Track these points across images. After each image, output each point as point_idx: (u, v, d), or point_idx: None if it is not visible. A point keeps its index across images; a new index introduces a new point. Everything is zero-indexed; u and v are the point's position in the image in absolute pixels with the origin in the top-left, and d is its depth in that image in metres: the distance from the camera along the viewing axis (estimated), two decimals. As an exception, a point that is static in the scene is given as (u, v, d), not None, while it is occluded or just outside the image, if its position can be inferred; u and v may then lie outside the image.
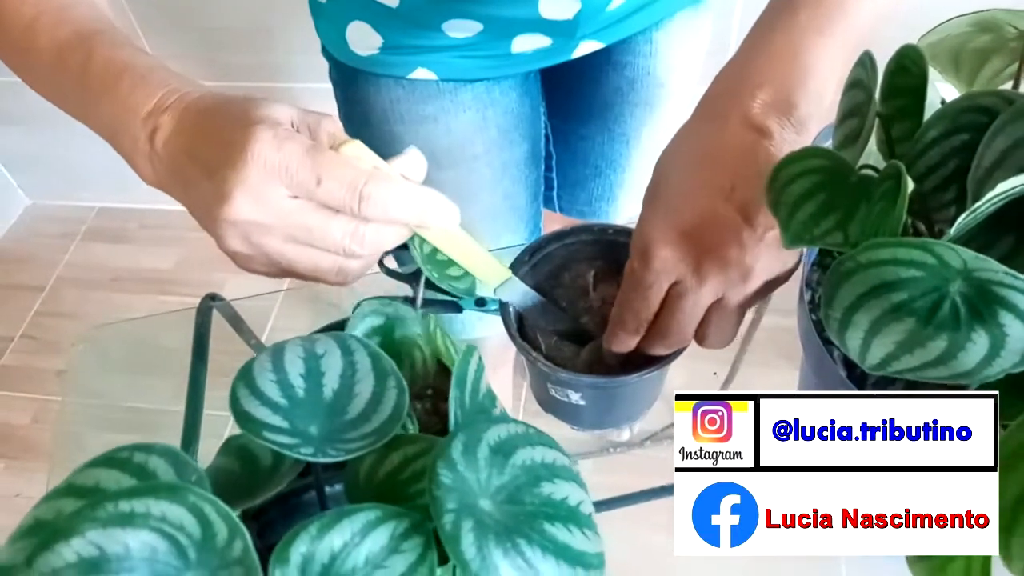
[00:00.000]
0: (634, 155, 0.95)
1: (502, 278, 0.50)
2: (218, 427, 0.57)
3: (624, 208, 1.02)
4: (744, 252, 0.43)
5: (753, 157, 0.43)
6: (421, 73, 0.76)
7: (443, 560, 0.28)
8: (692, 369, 0.60)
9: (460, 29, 0.73)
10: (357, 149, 0.41)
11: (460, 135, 0.80)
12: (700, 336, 0.48)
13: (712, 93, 0.48)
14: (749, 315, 0.58)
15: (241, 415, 0.31)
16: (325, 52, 0.83)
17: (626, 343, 0.49)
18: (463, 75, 0.77)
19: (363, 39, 0.75)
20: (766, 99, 0.44)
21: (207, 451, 0.59)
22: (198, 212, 0.42)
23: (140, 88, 0.43)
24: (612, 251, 0.56)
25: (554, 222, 1.05)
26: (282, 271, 0.43)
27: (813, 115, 0.44)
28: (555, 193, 1.04)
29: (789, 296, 0.50)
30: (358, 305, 0.45)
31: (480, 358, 0.38)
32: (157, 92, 0.43)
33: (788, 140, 0.44)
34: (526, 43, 0.75)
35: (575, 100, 0.91)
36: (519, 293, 0.52)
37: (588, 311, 0.55)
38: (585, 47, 0.78)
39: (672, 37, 0.83)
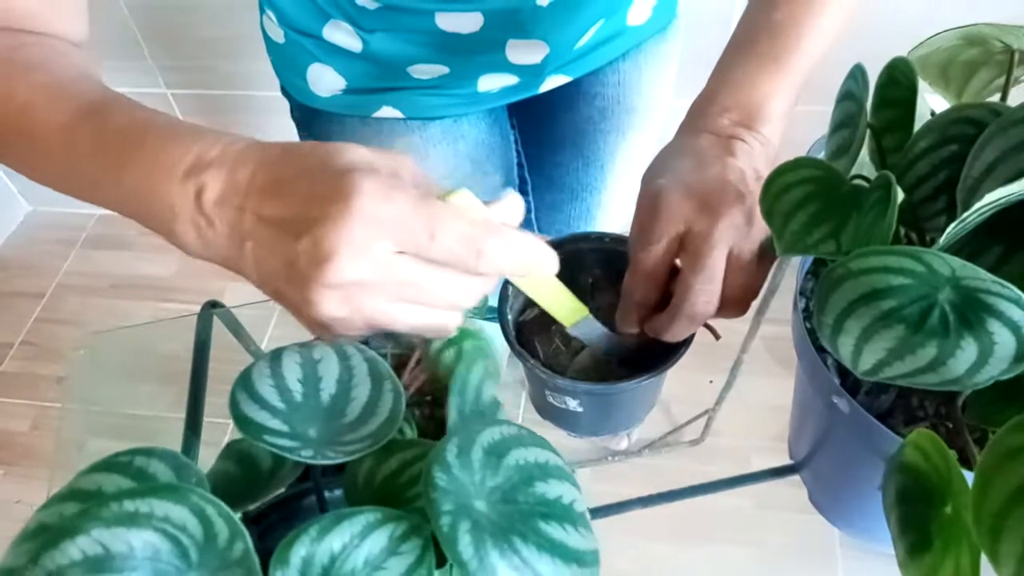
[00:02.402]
0: (609, 178, 0.95)
1: (580, 317, 0.49)
2: (218, 434, 0.58)
3: (602, 227, 1.03)
4: (744, 197, 0.45)
5: (732, 151, 0.48)
6: (387, 111, 0.76)
7: (441, 561, 0.28)
8: (689, 378, 0.60)
9: (425, 72, 0.73)
10: (466, 199, 0.37)
11: (432, 170, 0.80)
12: (720, 301, 0.47)
13: (684, 122, 0.52)
14: (748, 321, 0.58)
15: (241, 419, 0.31)
16: (284, 92, 0.82)
17: (638, 318, 0.49)
18: (429, 113, 0.77)
19: (324, 81, 0.75)
20: (733, 119, 0.49)
21: (207, 458, 0.60)
22: (279, 280, 0.36)
23: (171, 145, 0.37)
24: (610, 259, 0.56)
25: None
26: (376, 331, 0.38)
27: (776, 134, 0.49)
28: (532, 216, 1.04)
29: (785, 305, 0.51)
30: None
31: (484, 366, 0.39)
32: (193, 146, 0.37)
33: (757, 148, 0.48)
34: (493, 82, 0.75)
35: (547, 130, 0.92)
36: (594, 330, 0.51)
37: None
38: (553, 81, 0.78)
39: (640, 66, 0.84)
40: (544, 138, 0.93)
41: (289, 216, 0.34)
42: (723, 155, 0.47)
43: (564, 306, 0.48)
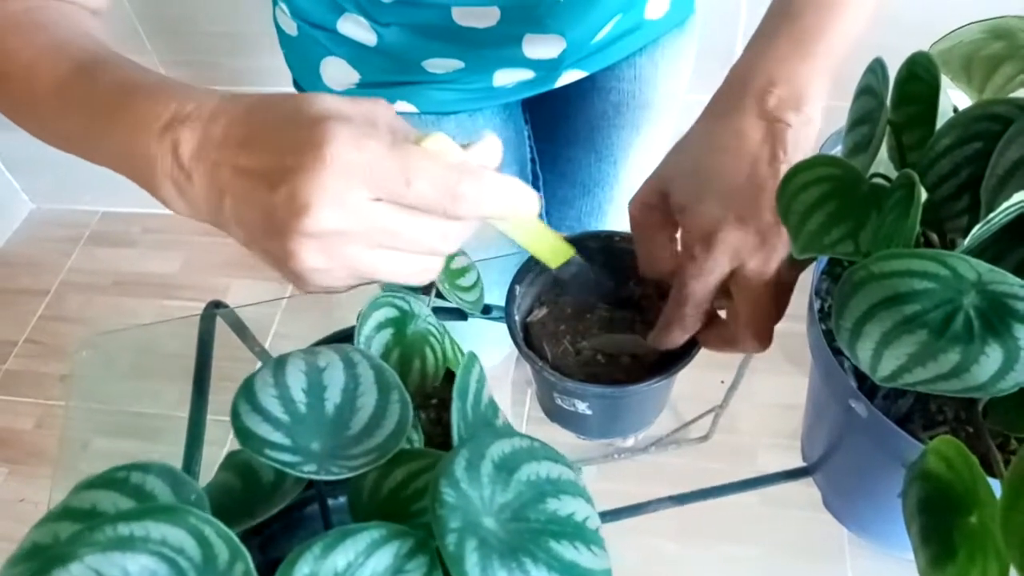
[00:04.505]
0: (622, 174, 0.94)
1: (566, 258, 0.49)
2: (222, 433, 0.57)
3: (613, 224, 1.01)
4: None
5: (773, 140, 0.45)
6: (401, 106, 0.75)
7: (448, 580, 0.27)
8: (698, 377, 0.59)
9: (441, 66, 0.72)
10: (441, 142, 0.37)
11: None
12: (748, 334, 0.46)
13: (723, 92, 0.49)
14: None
15: (243, 432, 0.30)
16: (296, 86, 0.81)
17: (680, 338, 0.48)
18: (444, 108, 0.76)
19: (339, 75, 0.74)
20: (781, 95, 0.45)
21: (210, 457, 0.59)
22: (259, 233, 0.36)
23: (151, 101, 0.38)
24: (619, 259, 0.55)
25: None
26: (359, 280, 0.39)
27: (818, 113, 0.46)
28: (544, 211, 1.03)
29: (797, 301, 0.50)
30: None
31: (482, 368, 0.38)
32: (171, 102, 0.37)
33: (802, 131, 0.45)
34: (508, 77, 0.74)
35: (561, 124, 0.90)
36: (581, 271, 0.51)
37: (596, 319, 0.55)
38: (568, 76, 0.77)
39: (656, 61, 0.83)
40: (557, 133, 0.92)
41: (264, 167, 0.35)
42: (773, 159, 0.44)
43: (548, 247, 0.47)
